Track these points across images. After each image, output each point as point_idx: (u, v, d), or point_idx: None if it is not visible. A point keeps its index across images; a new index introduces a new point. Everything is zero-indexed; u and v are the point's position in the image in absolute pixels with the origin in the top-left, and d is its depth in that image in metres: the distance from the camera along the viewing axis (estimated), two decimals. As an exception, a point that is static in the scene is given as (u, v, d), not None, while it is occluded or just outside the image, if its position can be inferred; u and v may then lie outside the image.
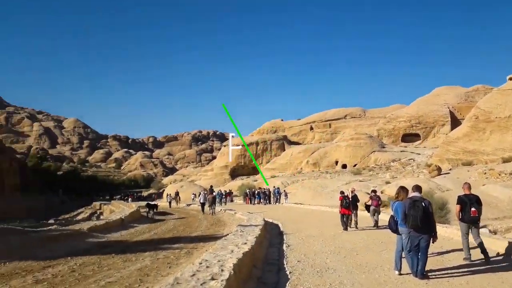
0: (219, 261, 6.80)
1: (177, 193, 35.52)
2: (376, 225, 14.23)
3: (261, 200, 35.01)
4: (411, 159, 57.46)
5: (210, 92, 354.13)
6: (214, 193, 26.10)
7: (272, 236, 14.02)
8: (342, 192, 14.43)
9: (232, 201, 41.37)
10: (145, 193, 73.79)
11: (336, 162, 63.30)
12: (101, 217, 32.25)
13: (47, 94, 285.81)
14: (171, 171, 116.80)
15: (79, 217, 41.49)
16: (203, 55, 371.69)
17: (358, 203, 14.75)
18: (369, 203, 14.82)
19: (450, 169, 41.69)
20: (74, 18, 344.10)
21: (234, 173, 69.05)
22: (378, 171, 51.58)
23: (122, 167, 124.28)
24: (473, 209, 7.95)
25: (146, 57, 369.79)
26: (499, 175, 33.20)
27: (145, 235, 15.07)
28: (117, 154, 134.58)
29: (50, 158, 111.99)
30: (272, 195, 35.71)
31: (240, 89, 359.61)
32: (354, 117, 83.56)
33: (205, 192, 28.88)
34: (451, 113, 69.34)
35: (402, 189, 7.34)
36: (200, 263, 6.65)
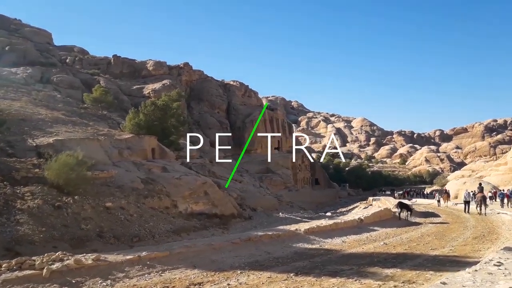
0: None
1: (445, 191, 29.14)
2: None
3: None
4: None
5: (506, 72, 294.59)
6: (484, 192, 19.39)
7: None
8: None
9: (530, 203, 30.89)
10: (428, 189, 66.47)
11: None
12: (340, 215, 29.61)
13: (339, 98, 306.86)
14: (459, 166, 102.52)
15: (353, 211, 40.38)
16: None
17: None
18: None
19: None
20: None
21: (538, 168, 52.95)
22: None
23: (407, 163, 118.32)
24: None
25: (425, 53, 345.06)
26: None
27: (370, 245, 11.43)
28: (402, 150, 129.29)
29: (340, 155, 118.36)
30: None
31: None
32: None
33: (471, 191, 22.01)
34: None
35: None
36: None
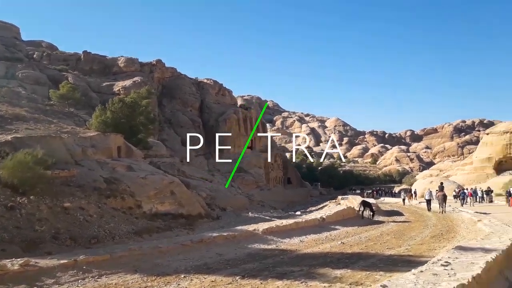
0: None
1: (409, 190, 29.66)
2: None
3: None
4: None
5: (475, 74, 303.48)
6: (444, 191, 19.87)
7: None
8: None
9: (491, 201, 31.88)
10: (396, 188, 67.74)
11: None
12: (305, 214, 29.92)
13: (312, 98, 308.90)
14: (428, 165, 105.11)
15: (322, 210, 40.50)
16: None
17: None
18: None
19: None
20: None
21: (501, 167, 54.60)
22: None
23: (377, 162, 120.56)
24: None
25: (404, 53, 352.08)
26: None
27: (327, 244, 11.28)
28: (373, 150, 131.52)
29: (314, 154, 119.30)
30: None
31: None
32: None
33: (436, 190, 22.46)
34: None
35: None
36: None
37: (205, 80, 68.44)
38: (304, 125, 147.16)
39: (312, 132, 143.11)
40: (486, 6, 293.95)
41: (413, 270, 6.41)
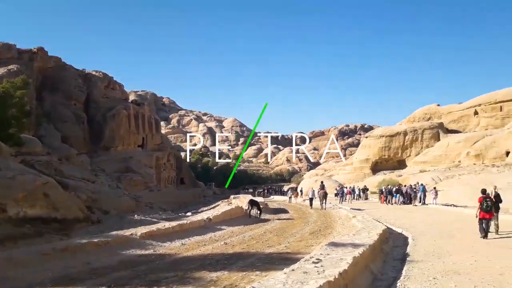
0: None
1: (295, 188, 31.46)
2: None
3: (403, 200, 28.55)
4: None
5: (356, 84, 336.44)
6: (325, 189, 21.57)
7: (384, 266, 8.62)
8: (483, 191, 11.51)
9: (366, 198, 35.32)
10: (285, 187, 71.37)
11: (507, 153, 49.73)
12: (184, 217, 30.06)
13: (210, 97, 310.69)
14: (315, 165, 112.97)
15: (211, 210, 40.46)
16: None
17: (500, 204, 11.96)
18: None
19: None
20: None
21: (376, 168, 61.19)
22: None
23: (270, 162, 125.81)
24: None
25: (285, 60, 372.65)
26: None
27: (209, 246, 11.09)
28: (267, 150, 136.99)
29: (210, 154, 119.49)
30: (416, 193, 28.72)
31: (389, 76, 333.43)
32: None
33: (316, 189, 24.14)
34: None
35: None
36: None
37: (94, 72, 63.52)
38: (201, 124, 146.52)
39: (209, 131, 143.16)
40: (486, 6, 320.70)
41: (285, 269, 6.47)
